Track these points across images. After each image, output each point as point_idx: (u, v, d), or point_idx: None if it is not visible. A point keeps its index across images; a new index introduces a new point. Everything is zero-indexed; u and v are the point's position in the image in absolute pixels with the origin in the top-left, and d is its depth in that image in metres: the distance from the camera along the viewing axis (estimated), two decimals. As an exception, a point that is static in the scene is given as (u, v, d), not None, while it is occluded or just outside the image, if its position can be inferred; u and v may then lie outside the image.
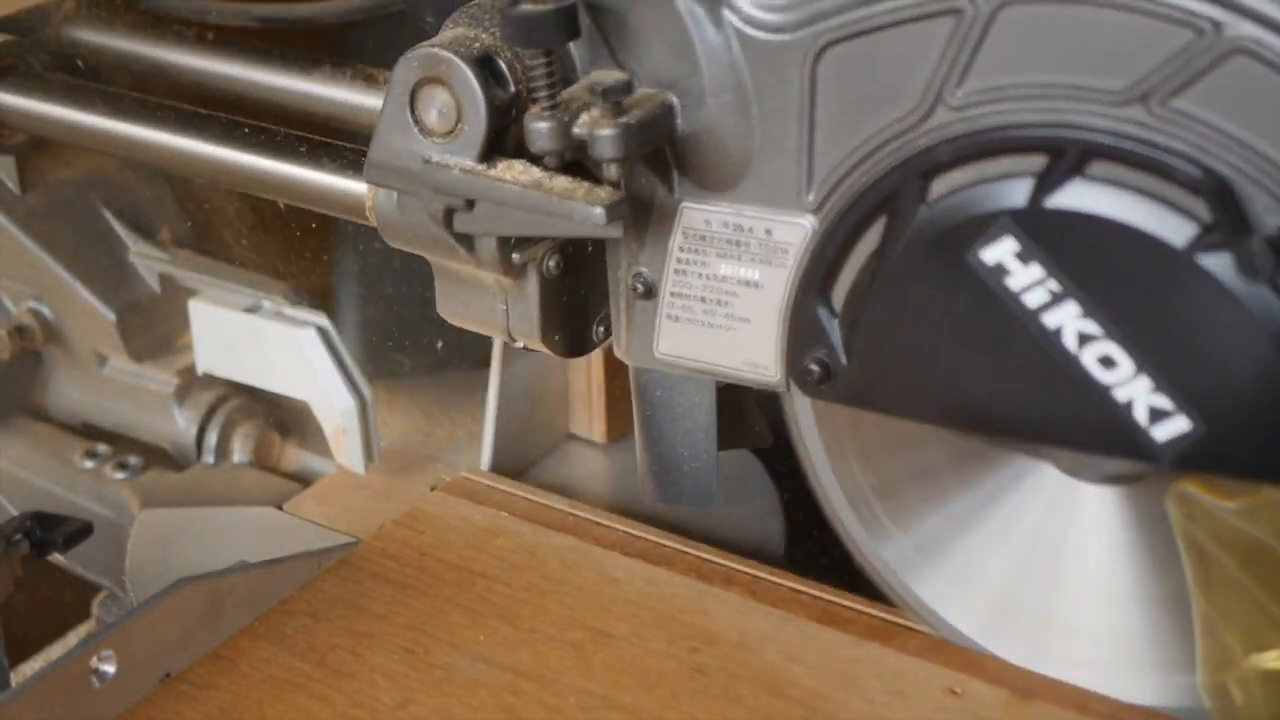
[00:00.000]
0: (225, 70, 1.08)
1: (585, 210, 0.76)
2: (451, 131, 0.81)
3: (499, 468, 1.09)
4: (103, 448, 1.18)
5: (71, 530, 1.01)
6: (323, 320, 1.09)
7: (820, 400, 0.82)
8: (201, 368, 1.14)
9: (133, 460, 1.16)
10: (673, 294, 0.84)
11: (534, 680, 0.86)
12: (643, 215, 0.84)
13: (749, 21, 0.77)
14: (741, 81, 0.78)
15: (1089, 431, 0.74)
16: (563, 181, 0.78)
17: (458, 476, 1.04)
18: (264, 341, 1.10)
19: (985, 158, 0.73)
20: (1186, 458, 0.72)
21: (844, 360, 0.79)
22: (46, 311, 1.17)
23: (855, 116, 0.76)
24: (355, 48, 1.21)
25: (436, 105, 0.81)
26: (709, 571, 0.94)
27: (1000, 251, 0.72)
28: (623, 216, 0.77)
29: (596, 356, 1.10)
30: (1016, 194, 0.72)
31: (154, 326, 1.17)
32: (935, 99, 0.74)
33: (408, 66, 0.81)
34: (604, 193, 0.77)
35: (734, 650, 0.87)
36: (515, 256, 0.86)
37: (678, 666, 0.86)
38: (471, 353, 1.23)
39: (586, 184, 0.78)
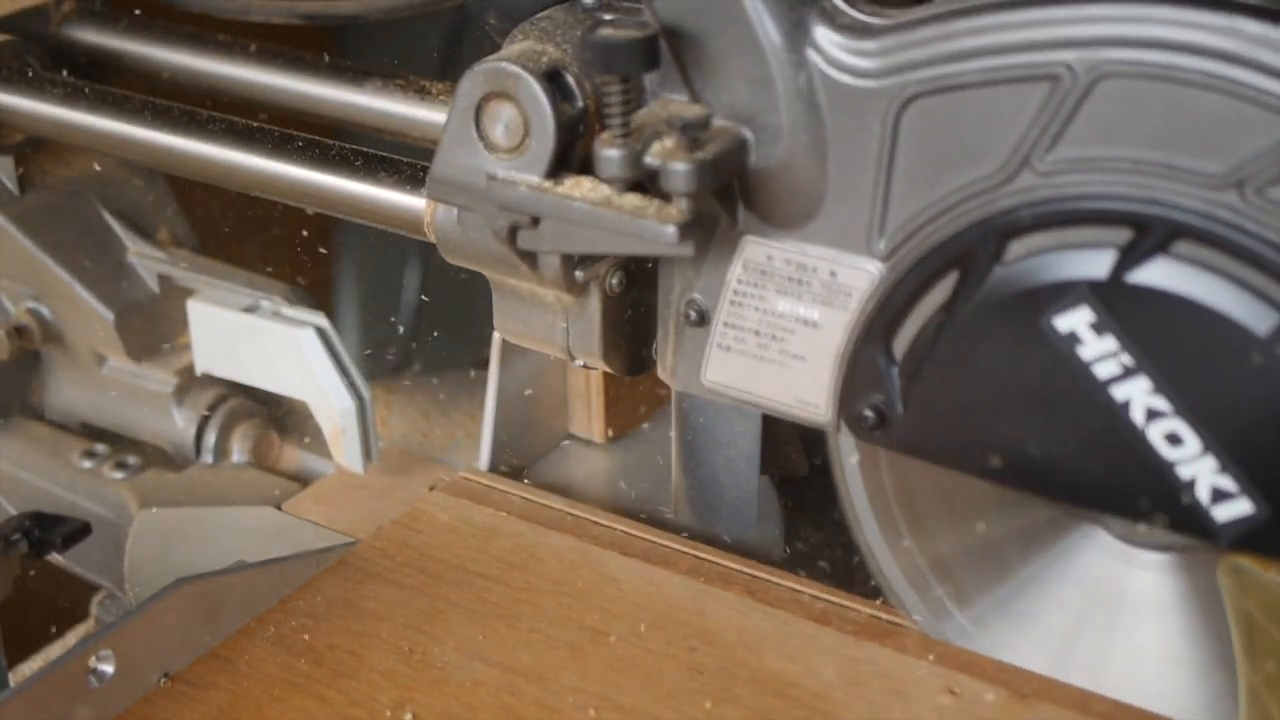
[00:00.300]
0: (223, 71, 1.09)
1: (657, 229, 0.75)
2: (518, 147, 0.80)
3: (498, 468, 1.09)
4: (101, 447, 1.18)
5: (70, 530, 1.01)
6: (321, 320, 1.09)
7: (873, 444, 0.82)
8: (200, 368, 1.14)
9: (131, 460, 1.16)
10: (726, 324, 0.84)
11: (532, 680, 0.86)
12: (703, 243, 0.83)
13: (834, 64, 0.77)
14: (820, 123, 0.78)
15: (1148, 505, 0.74)
16: (633, 199, 0.77)
17: (457, 477, 1.04)
18: (262, 341, 1.10)
19: (1068, 225, 0.73)
20: (1245, 540, 0.72)
21: (900, 408, 0.79)
22: (45, 311, 1.17)
23: (937, 170, 0.75)
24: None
25: (503, 120, 0.80)
26: (708, 572, 0.94)
27: (1075, 320, 0.73)
28: (694, 236, 0.76)
29: (596, 357, 1.10)
30: (1098, 265, 0.72)
31: (153, 326, 1.17)
32: (1023, 162, 0.73)
33: (474, 80, 0.81)
34: (675, 211, 0.76)
35: (733, 650, 0.87)
36: (579, 274, 0.85)
37: (676, 666, 0.86)
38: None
39: (658, 202, 0.76)
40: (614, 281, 0.88)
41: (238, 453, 1.17)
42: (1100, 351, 0.73)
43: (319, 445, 1.14)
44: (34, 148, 1.16)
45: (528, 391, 1.10)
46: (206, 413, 1.16)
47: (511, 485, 1.04)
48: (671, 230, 0.75)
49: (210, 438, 1.16)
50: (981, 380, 0.76)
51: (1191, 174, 0.69)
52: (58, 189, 1.17)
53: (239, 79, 1.08)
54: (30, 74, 1.10)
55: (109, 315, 1.14)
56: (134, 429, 1.18)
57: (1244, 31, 0.67)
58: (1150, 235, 0.70)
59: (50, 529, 1.00)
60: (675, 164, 0.75)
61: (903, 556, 0.87)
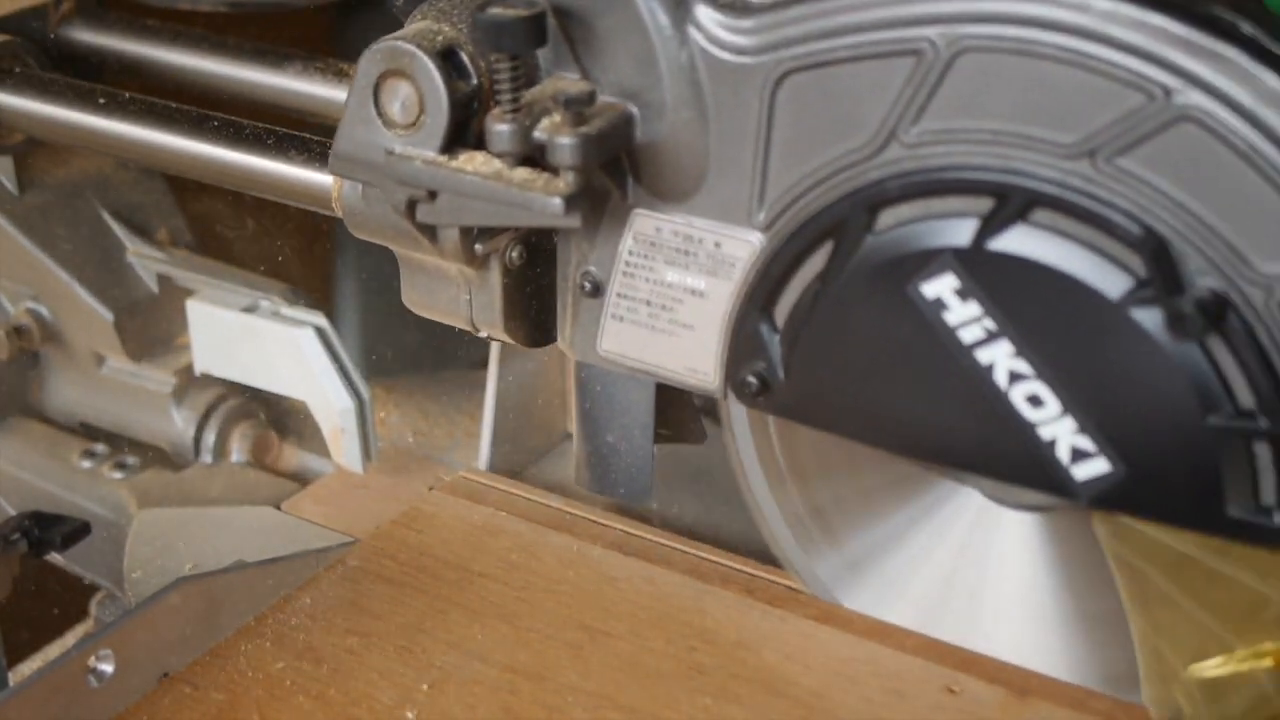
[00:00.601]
0: (220, 70, 1.09)
1: (544, 201, 0.78)
2: (414, 124, 0.82)
3: (497, 467, 1.09)
4: (101, 447, 1.18)
5: (69, 530, 1.01)
6: (321, 320, 1.09)
7: (756, 410, 0.84)
8: (199, 368, 1.14)
9: (131, 460, 1.16)
10: (619, 295, 0.86)
11: (532, 679, 0.86)
12: (595, 216, 0.85)
13: (713, 41, 0.79)
14: (701, 99, 0.80)
15: (1012, 465, 0.76)
16: (523, 173, 0.79)
17: (456, 476, 1.04)
18: (262, 341, 1.10)
19: (933, 195, 0.75)
20: (1104, 498, 0.74)
21: (782, 375, 0.81)
22: (45, 312, 1.17)
23: (810, 144, 0.78)
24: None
25: (400, 98, 0.82)
26: (707, 571, 0.94)
27: (941, 287, 0.75)
28: (581, 208, 0.79)
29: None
30: (961, 233, 0.74)
31: (152, 326, 1.17)
32: (890, 135, 0.75)
33: (371, 59, 0.83)
34: (563, 184, 0.78)
35: (732, 649, 0.87)
36: (478, 247, 0.87)
37: (676, 665, 0.86)
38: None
39: (546, 175, 0.79)
40: (514, 255, 0.90)
41: (237, 452, 1.17)
42: (965, 317, 0.75)
43: (318, 445, 1.14)
44: (33, 148, 1.16)
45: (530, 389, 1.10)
46: (205, 413, 1.16)
47: (511, 485, 1.04)
48: (557, 202, 0.78)
49: (209, 437, 1.16)
50: (856, 347, 0.79)
51: (1047, 144, 0.72)
52: (57, 189, 1.17)
53: (234, 77, 1.08)
54: (29, 74, 1.10)
55: (108, 315, 1.14)
56: (133, 429, 1.18)
57: (1095, 8, 0.69)
58: (1009, 204, 0.73)
59: (49, 529, 1.00)
60: (560, 138, 0.77)
61: (785, 502, 0.90)
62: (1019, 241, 0.73)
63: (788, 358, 0.81)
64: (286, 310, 1.10)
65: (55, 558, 1.09)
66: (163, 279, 1.16)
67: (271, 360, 1.10)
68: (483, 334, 0.93)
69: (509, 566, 0.94)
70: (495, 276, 0.90)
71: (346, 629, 0.90)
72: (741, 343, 0.83)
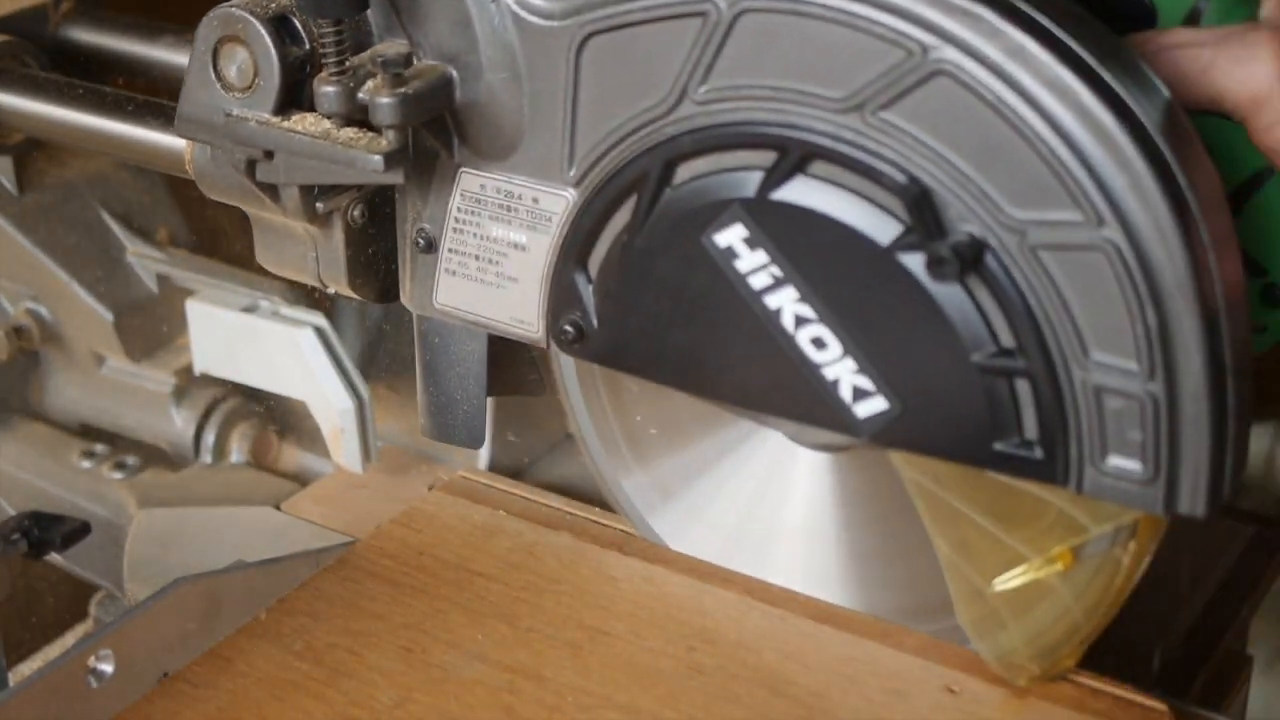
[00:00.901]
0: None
1: (366, 158, 0.83)
2: (250, 87, 0.87)
3: (497, 467, 1.09)
4: (100, 448, 1.18)
5: (69, 530, 1.01)
6: (320, 320, 1.09)
7: (574, 358, 0.90)
8: (199, 368, 1.14)
9: (130, 460, 1.16)
10: (450, 250, 0.90)
11: (532, 679, 0.86)
12: (426, 175, 0.90)
13: (523, 5, 0.83)
14: (515, 61, 0.84)
15: (801, 404, 0.81)
16: (349, 132, 0.85)
17: (456, 476, 1.04)
18: (261, 341, 1.10)
19: (723, 150, 0.80)
20: (883, 434, 0.79)
21: (595, 323, 0.86)
22: (44, 312, 1.18)
23: (612, 102, 0.82)
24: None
25: (236, 62, 0.88)
26: (707, 571, 0.94)
27: (731, 236, 0.80)
28: (401, 164, 0.84)
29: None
30: (748, 185, 0.79)
31: (151, 327, 1.17)
32: (682, 93, 0.80)
33: (209, 25, 0.88)
34: (384, 142, 0.84)
35: (732, 649, 0.87)
36: (319, 205, 0.92)
37: (676, 665, 0.86)
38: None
39: (370, 134, 0.84)
40: (356, 213, 0.94)
41: (236, 453, 1.17)
42: (753, 264, 0.79)
43: (318, 445, 1.14)
44: (33, 148, 1.16)
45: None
46: (205, 413, 1.16)
47: (510, 484, 1.04)
48: (378, 159, 0.83)
49: (209, 438, 1.16)
50: (660, 295, 0.83)
51: (820, 100, 0.76)
52: (56, 189, 1.18)
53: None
54: (29, 74, 1.10)
55: (108, 315, 1.14)
56: (133, 429, 1.18)
57: None
58: (789, 157, 0.77)
59: (49, 529, 1.00)
60: (380, 98, 0.82)
61: (603, 426, 0.96)
62: (799, 192, 0.77)
63: (600, 307, 0.86)
64: (286, 310, 1.10)
65: (55, 558, 1.09)
66: (162, 279, 1.16)
67: (271, 360, 1.10)
68: (330, 290, 0.98)
69: (509, 566, 0.94)
70: (338, 234, 0.94)
71: (346, 629, 0.90)
72: (559, 293, 0.87)
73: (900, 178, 0.75)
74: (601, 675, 0.86)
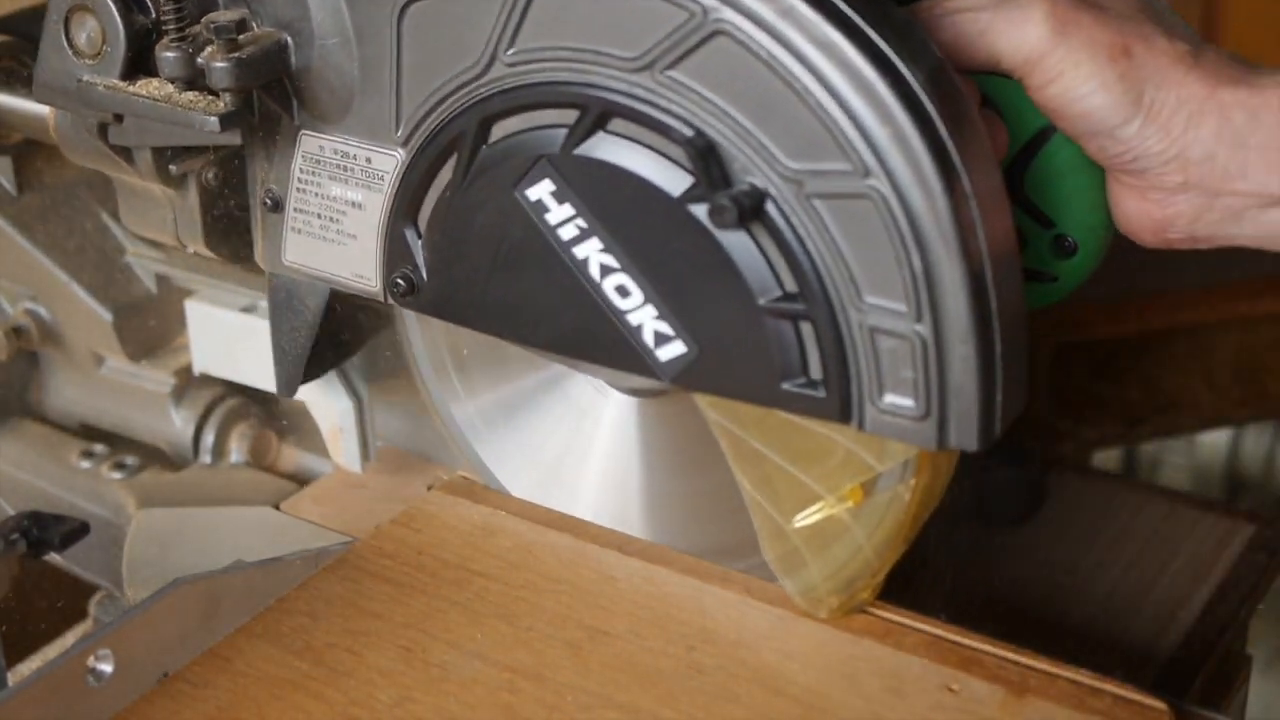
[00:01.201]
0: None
1: (203, 120, 0.89)
2: (98, 54, 0.93)
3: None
4: (100, 448, 1.18)
5: (68, 530, 1.01)
6: (320, 320, 1.09)
7: (406, 309, 0.95)
8: (198, 368, 1.14)
9: (130, 460, 1.16)
10: (295, 209, 0.96)
11: (531, 678, 0.86)
12: (270, 138, 0.95)
13: None
14: (345, 27, 0.90)
15: (610, 350, 0.86)
16: (189, 96, 0.90)
17: (456, 476, 1.04)
18: (261, 341, 1.10)
19: (532, 109, 0.85)
20: (682, 376, 0.84)
21: (425, 276, 0.91)
22: (43, 312, 1.17)
23: (432, 66, 0.87)
24: None
25: (86, 30, 0.93)
26: (706, 570, 0.94)
27: (540, 190, 0.85)
28: (238, 126, 0.90)
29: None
30: (554, 142, 0.84)
31: (151, 327, 1.17)
32: (492, 56, 0.85)
33: None
34: (220, 104, 0.89)
35: (731, 648, 0.87)
36: (172, 168, 0.99)
37: (675, 665, 0.86)
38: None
39: (209, 97, 0.90)
40: (210, 176, 1.01)
41: (236, 453, 1.17)
42: (561, 217, 0.84)
43: (317, 445, 1.14)
44: (32, 148, 1.16)
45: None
46: (204, 413, 1.16)
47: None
48: (214, 120, 0.89)
49: (208, 438, 1.16)
50: (481, 247, 0.88)
51: (615, 59, 0.81)
52: (56, 189, 1.17)
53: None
54: (30, 74, 1.10)
55: (107, 315, 1.14)
56: (132, 429, 1.18)
57: None
58: (589, 114, 0.82)
59: (48, 529, 1.00)
60: (215, 63, 0.88)
61: (434, 354, 1.01)
62: (600, 148, 0.82)
63: (429, 260, 0.91)
64: (285, 310, 1.10)
65: (54, 558, 1.09)
66: (161, 279, 1.16)
67: (270, 360, 1.10)
68: (189, 250, 1.05)
69: (508, 566, 0.94)
70: (193, 196, 1.02)
71: (346, 628, 0.90)
72: (392, 248, 0.92)
73: (687, 132, 0.79)
74: (601, 675, 0.86)
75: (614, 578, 0.93)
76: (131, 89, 0.92)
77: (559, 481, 1.01)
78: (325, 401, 1.08)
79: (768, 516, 0.88)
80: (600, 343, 0.86)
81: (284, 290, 0.99)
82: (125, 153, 0.99)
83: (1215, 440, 1.50)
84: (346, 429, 1.08)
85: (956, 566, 1.14)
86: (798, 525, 0.87)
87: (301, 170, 0.94)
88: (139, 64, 0.93)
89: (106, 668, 0.85)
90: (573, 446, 1.00)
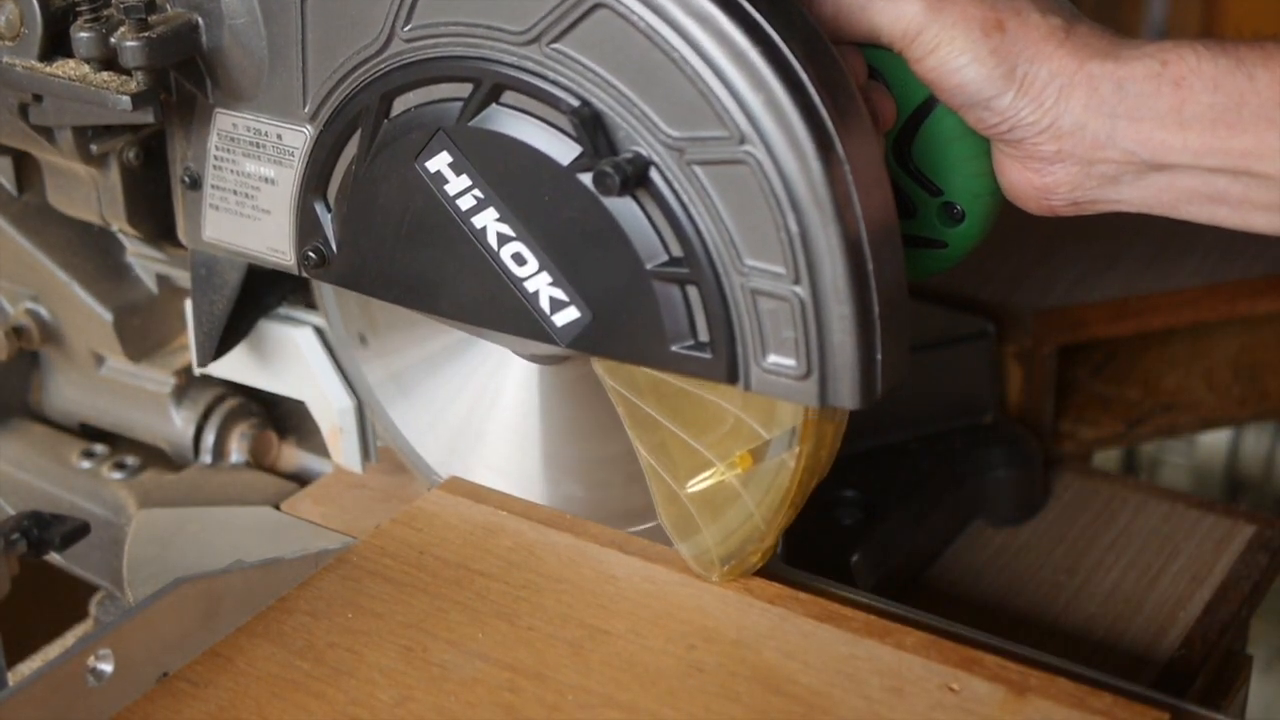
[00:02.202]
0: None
1: (115, 99, 0.92)
2: (17, 36, 0.96)
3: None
4: (100, 448, 1.18)
5: (69, 530, 1.01)
6: (320, 320, 1.09)
7: (319, 281, 0.98)
8: (198, 368, 1.14)
9: (130, 460, 1.16)
10: (213, 186, 0.98)
11: (532, 678, 0.86)
12: (187, 117, 0.98)
13: None
14: (253, 7, 0.92)
15: (510, 317, 0.88)
16: (104, 76, 0.93)
17: (456, 476, 1.04)
18: (261, 341, 1.10)
19: (430, 83, 0.87)
20: (578, 341, 0.86)
21: (335, 248, 0.94)
22: (44, 312, 1.17)
23: (335, 43, 0.90)
24: None
25: (5, 12, 0.97)
26: (706, 570, 0.94)
27: (439, 162, 0.87)
28: (149, 104, 0.93)
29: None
30: (451, 115, 0.86)
31: (151, 327, 1.17)
32: (390, 32, 0.87)
33: None
34: (132, 84, 0.92)
35: (732, 648, 0.87)
36: (93, 147, 1.02)
37: (676, 664, 0.86)
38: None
39: (123, 78, 0.93)
40: (131, 155, 1.05)
41: (236, 453, 1.17)
42: (459, 188, 0.87)
43: (318, 445, 1.14)
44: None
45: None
46: (204, 413, 1.16)
47: (510, 484, 1.04)
48: (126, 99, 0.92)
49: (209, 438, 1.16)
50: (386, 219, 0.90)
51: (505, 34, 0.83)
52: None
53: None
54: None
55: (107, 315, 1.14)
56: (132, 429, 1.18)
57: None
58: (482, 87, 0.85)
59: (49, 529, 1.00)
60: (125, 43, 0.90)
61: (349, 318, 1.06)
62: (493, 120, 0.85)
63: (338, 233, 0.93)
64: (285, 310, 1.10)
65: (55, 557, 1.09)
66: (162, 279, 1.16)
67: (271, 360, 1.10)
68: (114, 228, 1.09)
69: (509, 565, 0.94)
70: (115, 175, 1.05)
71: (347, 627, 0.90)
72: (303, 222, 0.95)
73: (574, 102, 0.82)
74: (602, 674, 0.86)
75: (614, 577, 0.93)
76: (49, 70, 0.95)
77: (465, 445, 1.04)
78: (325, 402, 1.08)
79: (663, 482, 0.91)
80: (501, 310, 0.88)
81: (204, 266, 1.02)
82: (46, 132, 1.02)
83: (1215, 440, 1.50)
84: (347, 429, 1.08)
85: (957, 566, 1.14)
86: (691, 491, 0.89)
87: (218, 148, 0.97)
88: (57, 45, 0.96)
89: (107, 667, 0.85)
90: (478, 411, 1.04)
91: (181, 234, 1.02)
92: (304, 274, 0.96)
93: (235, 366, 1.12)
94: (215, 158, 0.97)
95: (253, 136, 0.95)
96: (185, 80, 0.96)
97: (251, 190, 0.97)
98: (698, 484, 0.89)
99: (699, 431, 0.88)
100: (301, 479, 1.14)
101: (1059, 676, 0.84)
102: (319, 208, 0.94)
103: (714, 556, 0.90)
